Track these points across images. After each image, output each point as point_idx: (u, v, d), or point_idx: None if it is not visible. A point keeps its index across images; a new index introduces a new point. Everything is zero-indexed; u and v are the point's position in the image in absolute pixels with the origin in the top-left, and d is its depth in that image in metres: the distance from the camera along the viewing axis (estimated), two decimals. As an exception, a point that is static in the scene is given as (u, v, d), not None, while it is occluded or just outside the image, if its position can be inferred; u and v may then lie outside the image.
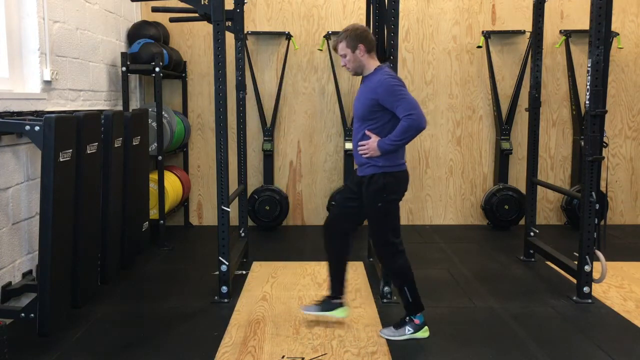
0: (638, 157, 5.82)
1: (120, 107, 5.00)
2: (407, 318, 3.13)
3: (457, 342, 3.09)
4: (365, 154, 3.02)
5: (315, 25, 5.67)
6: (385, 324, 3.28)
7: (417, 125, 2.89)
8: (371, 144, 2.98)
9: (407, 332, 3.10)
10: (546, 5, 4.45)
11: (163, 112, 4.91)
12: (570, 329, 3.26)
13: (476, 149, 5.82)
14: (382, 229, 3.11)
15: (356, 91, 5.67)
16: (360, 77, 3.15)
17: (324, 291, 3.83)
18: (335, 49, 3.11)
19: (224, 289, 3.67)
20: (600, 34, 3.43)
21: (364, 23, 4.81)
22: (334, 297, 3.30)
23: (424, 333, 3.12)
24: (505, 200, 5.51)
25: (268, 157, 5.65)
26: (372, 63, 3.08)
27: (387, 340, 3.09)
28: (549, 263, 4.37)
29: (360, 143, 3.05)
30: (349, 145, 5.56)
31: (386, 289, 3.67)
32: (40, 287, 2.92)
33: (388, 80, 2.96)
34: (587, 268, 3.61)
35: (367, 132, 3.02)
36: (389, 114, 2.96)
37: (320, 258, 4.60)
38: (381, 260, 3.18)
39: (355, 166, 3.21)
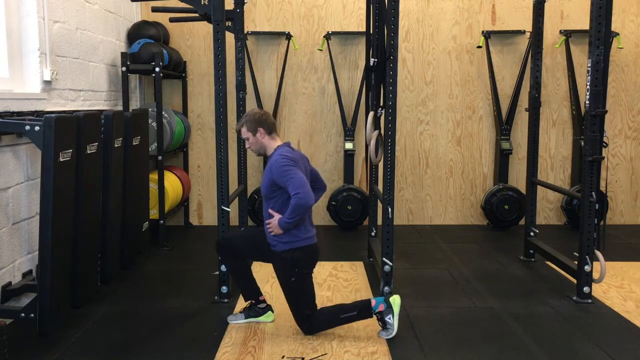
0: (638, 157, 5.82)
1: (120, 107, 5.00)
2: (378, 317, 3.12)
3: (457, 342, 3.09)
4: (271, 232, 3.12)
5: (315, 25, 5.67)
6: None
7: (304, 203, 2.97)
8: (273, 222, 3.09)
9: (391, 320, 3.10)
10: (546, 5, 4.45)
11: (163, 112, 4.91)
12: (570, 329, 3.26)
13: (476, 149, 5.82)
14: (297, 303, 3.17)
15: (356, 91, 5.73)
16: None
17: (324, 291, 3.84)
18: (238, 133, 3.28)
19: (224, 289, 3.67)
20: (600, 34, 3.43)
21: (363, 23, 4.82)
22: (257, 303, 3.36)
23: (395, 300, 3.11)
24: (505, 200, 5.51)
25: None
26: (273, 144, 3.21)
27: (387, 340, 3.09)
28: (549, 263, 4.37)
29: (266, 222, 3.16)
30: (349, 145, 5.56)
31: (386, 289, 3.67)
32: (40, 287, 2.92)
33: (279, 161, 3.06)
34: (587, 268, 3.62)
35: (270, 211, 3.13)
36: (286, 192, 3.05)
37: (320, 258, 4.61)
38: (301, 328, 3.20)
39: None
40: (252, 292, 3.36)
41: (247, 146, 3.27)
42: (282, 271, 3.17)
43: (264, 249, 3.21)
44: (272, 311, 3.39)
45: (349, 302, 3.42)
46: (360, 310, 3.15)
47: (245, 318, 3.35)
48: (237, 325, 3.30)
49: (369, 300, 3.16)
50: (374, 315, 3.13)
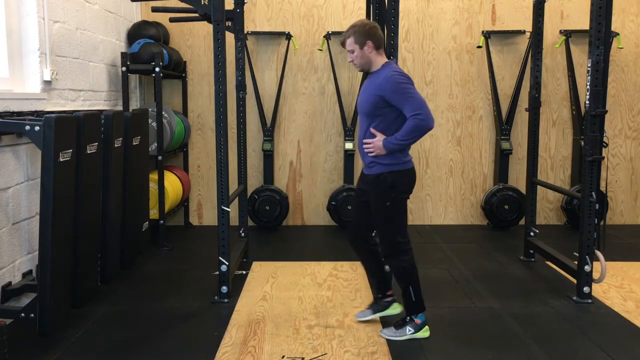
0: (638, 157, 5.82)
1: (120, 107, 5.00)
2: (408, 318, 3.13)
3: (457, 342, 3.09)
4: (370, 152, 2.99)
5: (315, 25, 5.67)
6: (385, 323, 3.27)
7: (424, 125, 2.86)
8: (376, 143, 2.94)
9: (408, 332, 3.10)
10: (546, 5, 4.45)
11: (163, 112, 4.91)
12: (570, 329, 3.26)
13: (476, 149, 5.82)
14: (389, 228, 3.08)
15: (357, 91, 5.72)
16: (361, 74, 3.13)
17: (324, 291, 3.84)
18: (343, 45, 3.06)
19: (224, 289, 3.67)
20: (600, 34, 3.43)
21: (364, 23, 4.81)
22: (383, 297, 3.32)
23: (424, 333, 3.12)
24: (505, 200, 5.51)
25: (268, 157, 5.65)
26: (380, 60, 3.03)
27: (387, 340, 3.09)
28: (549, 263, 4.37)
29: (365, 141, 3.02)
30: (349, 145, 5.56)
31: (386, 289, 3.66)
32: (40, 287, 2.92)
33: (395, 77, 2.89)
34: (587, 268, 3.61)
35: (372, 130, 2.98)
36: (395, 111, 2.92)
37: (320, 258, 4.62)
38: (387, 258, 3.15)
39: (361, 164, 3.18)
40: (382, 285, 3.31)
41: (349, 59, 3.05)
42: (378, 194, 3.01)
43: (365, 190, 3.10)
44: (400, 303, 3.29)
45: (352, 297, 3.42)
46: (419, 300, 3.11)
47: (373, 313, 3.30)
48: (237, 325, 3.30)
49: (424, 308, 3.15)
50: (412, 317, 3.10)
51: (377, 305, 3.33)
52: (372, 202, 3.08)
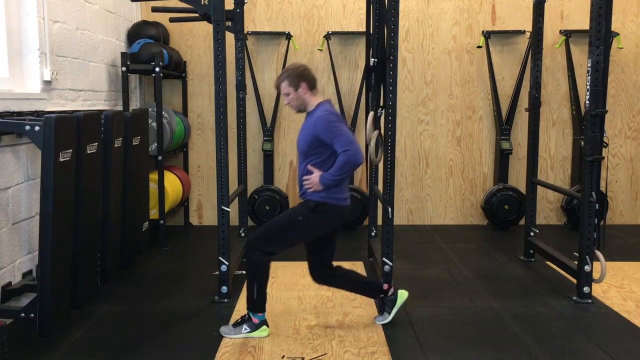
0: (638, 157, 5.81)
1: (120, 107, 5.00)
2: (247, 315, 3.15)
3: (457, 342, 3.09)
4: (309, 188, 3.07)
5: (315, 25, 5.67)
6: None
7: (354, 160, 2.96)
8: (313, 179, 3.04)
9: (244, 331, 3.12)
10: (546, 5, 4.45)
11: (163, 112, 4.91)
12: (570, 329, 3.26)
13: (476, 149, 5.82)
14: (278, 231, 3.13)
15: (356, 91, 5.73)
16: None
17: (324, 291, 3.84)
18: (278, 88, 3.17)
19: (224, 289, 3.67)
20: (600, 34, 3.43)
21: (363, 23, 4.82)
22: (385, 295, 3.33)
23: (261, 332, 3.13)
24: (505, 200, 5.51)
25: (268, 157, 5.65)
26: (314, 100, 3.13)
27: (387, 340, 3.09)
28: (549, 263, 4.37)
29: (304, 178, 3.11)
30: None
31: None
32: (40, 287, 2.92)
33: (326, 117, 3.01)
34: (587, 268, 3.61)
35: (310, 167, 3.08)
36: (329, 149, 3.02)
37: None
38: (251, 246, 3.14)
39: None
40: (373, 289, 3.34)
41: (285, 102, 3.17)
42: (298, 208, 3.11)
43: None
44: (404, 290, 3.35)
45: (352, 297, 3.42)
46: (260, 300, 3.13)
47: (390, 313, 3.31)
48: (237, 325, 3.30)
49: (264, 309, 3.17)
50: (251, 314, 3.13)
51: (387, 305, 3.33)
52: (289, 209, 3.18)
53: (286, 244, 3.19)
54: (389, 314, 3.31)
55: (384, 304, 3.33)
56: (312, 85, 3.11)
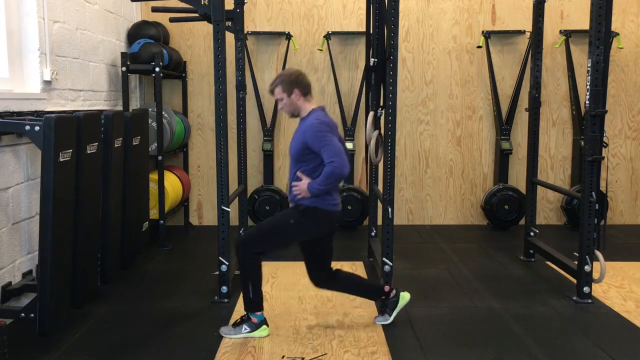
0: (638, 157, 5.81)
1: (120, 107, 5.00)
2: (246, 316, 3.15)
3: (457, 342, 3.09)
4: (297, 194, 3.07)
5: (315, 25, 5.67)
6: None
7: (338, 173, 2.95)
8: (302, 186, 3.04)
9: (244, 331, 3.12)
10: (546, 5, 4.45)
11: (163, 112, 4.91)
12: (570, 329, 3.26)
13: (476, 149, 5.82)
14: (268, 233, 3.14)
15: (356, 91, 5.73)
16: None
17: (324, 291, 3.83)
18: (272, 93, 3.16)
19: (224, 289, 3.67)
20: (600, 34, 3.43)
21: (363, 23, 4.82)
22: (387, 297, 3.32)
23: (261, 332, 3.13)
24: (505, 200, 5.51)
25: (268, 157, 5.65)
26: (308, 106, 3.14)
27: (387, 340, 3.09)
28: (549, 263, 4.37)
29: (294, 183, 3.11)
30: (349, 145, 5.55)
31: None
32: (40, 287, 2.92)
33: (315, 125, 3.01)
34: (587, 268, 3.61)
35: (299, 174, 3.08)
36: (319, 157, 3.02)
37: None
38: (240, 244, 3.13)
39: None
40: (374, 292, 3.34)
41: (279, 107, 3.19)
42: (289, 212, 3.13)
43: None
44: (405, 291, 3.35)
45: (352, 297, 3.43)
46: (257, 299, 3.13)
47: (391, 314, 3.31)
48: (237, 325, 3.30)
49: (262, 308, 3.17)
50: (250, 315, 3.13)
51: (389, 307, 3.33)
52: (279, 212, 3.14)
53: (275, 245, 3.21)
54: (390, 315, 3.31)
55: (385, 306, 3.33)
56: (305, 91, 3.12)
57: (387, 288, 3.32)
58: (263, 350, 2.97)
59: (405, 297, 3.31)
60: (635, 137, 5.79)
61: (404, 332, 3.22)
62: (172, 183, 5.21)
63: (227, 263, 3.64)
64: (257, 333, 3.13)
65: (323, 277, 3.26)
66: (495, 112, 5.66)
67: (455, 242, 5.21)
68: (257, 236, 3.15)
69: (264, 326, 3.15)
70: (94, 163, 3.37)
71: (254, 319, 3.14)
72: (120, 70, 4.96)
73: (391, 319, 3.31)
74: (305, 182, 3.03)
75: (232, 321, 3.26)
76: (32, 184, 3.50)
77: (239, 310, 3.51)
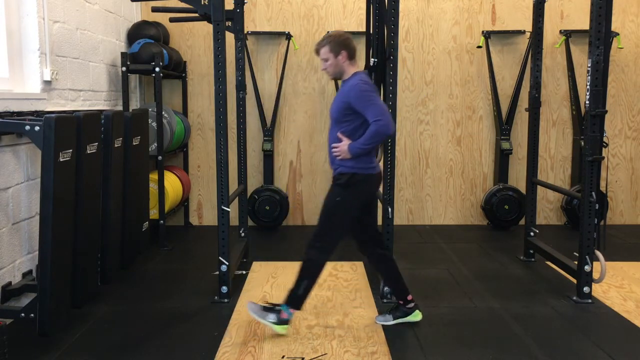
0: (638, 157, 5.81)
1: (120, 107, 5.00)
2: (279, 307, 3.14)
3: (457, 342, 3.09)
4: (337, 155, 3.10)
5: (315, 25, 5.67)
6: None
7: (384, 131, 2.97)
8: (342, 147, 3.06)
9: (268, 319, 3.12)
10: (546, 5, 4.45)
11: (163, 112, 4.91)
12: (570, 329, 3.26)
13: (476, 149, 5.82)
14: (327, 222, 3.15)
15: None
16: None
17: (324, 291, 3.84)
18: (317, 52, 3.18)
19: (224, 289, 3.67)
20: (600, 34, 3.43)
21: (363, 23, 4.82)
22: (405, 303, 3.31)
23: (282, 329, 3.12)
24: (505, 200, 5.51)
25: (268, 157, 5.65)
26: (351, 69, 3.17)
27: (387, 340, 3.09)
28: (549, 263, 4.37)
29: (333, 145, 3.13)
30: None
31: (386, 289, 3.67)
32: (40, 287, 2.92)
33: (360, 85, 3.04)
34: (587, 268, 3.61)
35: (339, 135, 3.10)
36: (360, 117, 3.04)
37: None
38: (309, 247, 3.16)
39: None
40: (401, 292, 3.32)
41: (322, 67, 3.20)
42: (333, 188, 3.13)
43: None
44: (420, 310, 3.33)
45: (352, 297, 3.41)
46: (302, 298, 3.15)
47: (394, 319, 3.30)
48: (237, 325, 3.30)
49: (300, 308, 3.18)
50: (284, 307, 3.12)
51: (399, 311, 3.32)
52: (326, 195, 3.18)
53: (340, 230, 3.16)
54: (394, 319, 3.30)
55: (395, 310, 3.33)
56: (351, 54, 3.14)
57: (410, 297, 3.30)
58: (263, 350, 2.97)
59: (417, 315, 3.28)
60: (635, 137, 5.79)
61: (404, 332, 3.21)
62: (172, 183, 5.21)
63: (227, 263, 3.64)
64: (278, 328, 3.10)
65: (375, 251, 3.31)
66: (495, 112, 5.66)
67: (455, 242, 5.21)
68: (320, 230, 3.14)
69: (287, 325, 3.14)
70: (94, 163, 3.37)
71: (284, 314, 3.12)
72: (120, 70, 4.96)
73: (392, 322, 3.29)
74: (345, 143, 3.05)
75: (232, 321, 3.25)
76: (32, 184, 3.50)
77: (239, 310, 3.51)
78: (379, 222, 3.47)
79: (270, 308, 3.16)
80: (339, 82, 3.25)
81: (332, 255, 3.17)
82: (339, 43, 3.10)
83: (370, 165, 3.13)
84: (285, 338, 3.12)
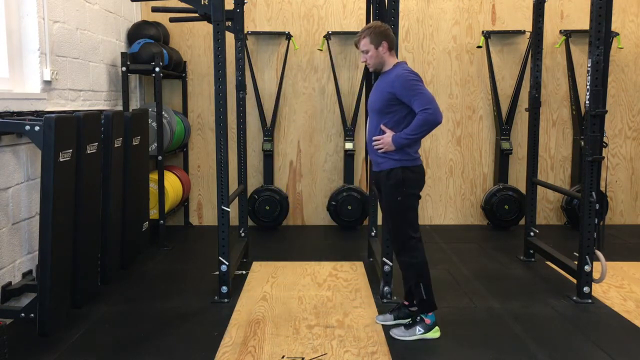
0: (638, 157, 5.81)
1: (120, 107, 5.00)
2: (419, 318, 3.12)
3: (457, 342, 3.09)
4: (380, 149, 3.04)
5: (315, 25, 5.67)
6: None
7: (433, 120, 2.92)
8: (386, 139, 3.01)
9: (418, 332, 3.08)
10: (546, 5, 4.45)
11: (163, 112, 4.91)
12: (570, 329, 3.26)
13: (476, 149, 5.82)
14: (401, 223, 3.09)
15: (356, 91, 5.72)
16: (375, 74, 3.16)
17: (324, 291, 3.84)
18: (357, 45, 3.13)
19: (224, 289, 3.67)
20: (600, 34, 3.43)
21: (363, 23, 4.82)
22: (410, 305, 3.29)
23: (434, 333, 3.10)
24: (505, 200, 5.51)
25: (268, 157, 5.65)
26: (392, 60, 3.12)
27: (387, 340, 3.09)
28: (549, 263, 4.37)
29: (374, 138, 3.07)
30: (349, 145, 5.56)
31: (386, 289, 3.67)
32: (40, 287, 2.92)
33: (405, 75, 2.99)
34: (587, 268, 3.61)
35: (382, 127, 3.04)
36: (405, 108, 2.99)
37: (320, 258, 4.62)
38: (398, 255, 3.14)
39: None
40: (410, 293, 3.28)
41: (362, 60, 3.14)
42: (390, 189, 3.06)
43: (381, 196, 3.16)
44: (438, 330, 3.22)
45: (352, 297, 3.41)
46: (430, 298, 3.10)
47: (395, 320, 3.28)
48: (237, 325, 3.30)
49: (436, 307, 3.14)
50: (422, 316, 3.10)
51: (401, 312, 3.30)
52: (384, 198, 3.12)
53: (415, 223, 3.09)
54: (394, 319, 3.28)
55: (398, 310, 3.31)
56: (392, 45, 3.10)
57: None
58: (263, 350, 2.97)
59: (437, 332, 3.12)
60: (635, 137, 5.79)
61: (404, 332, 3.21)
62: (172, 183, 5.21)
63: (227, 263, 3.64)
64: (430, 334, 3.08)
65: (413, 242, 3.17)
66: (495, 112, 5.66)
67: (455, 242, 5.21)
68: (397, 235, 3.11)
69: (437, 327, 3.11)
70: (94, 163, 3.37)
71: (427, 320, 3.09)
72: (120, 70, 4.96)
73: (390, 322, 3.26)
74: (389, 135, 2.99)
75: (232, 320, 3.26)
76: (32, 184, 3.50)
77: (239, 310, 3.51)
78: (379, 223, 3.47)
79: (412, 323, 3.11)
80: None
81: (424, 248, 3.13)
82: (379, 34, 3.04)
83: (416, 155, 3.07)
84: (286, 338, 3.12)
